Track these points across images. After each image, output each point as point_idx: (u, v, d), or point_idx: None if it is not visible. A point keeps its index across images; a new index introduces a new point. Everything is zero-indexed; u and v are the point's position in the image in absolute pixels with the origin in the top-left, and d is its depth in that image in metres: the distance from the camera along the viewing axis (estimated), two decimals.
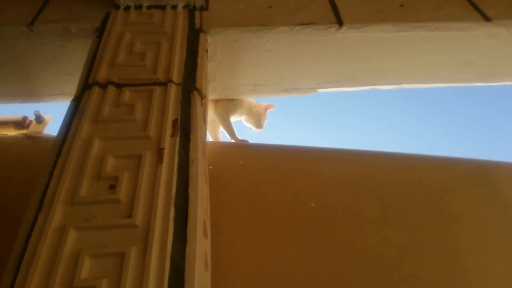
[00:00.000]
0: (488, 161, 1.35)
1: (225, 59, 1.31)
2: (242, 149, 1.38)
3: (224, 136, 1.67)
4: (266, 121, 1.64)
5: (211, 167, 1.21)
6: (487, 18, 1.27)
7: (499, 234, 1.15)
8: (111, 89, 0.95)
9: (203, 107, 1.05)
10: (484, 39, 1.30)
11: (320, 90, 1.50)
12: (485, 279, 1.06)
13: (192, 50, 1.13)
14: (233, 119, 1.64)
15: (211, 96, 1.46)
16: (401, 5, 1.32)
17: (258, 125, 1.62)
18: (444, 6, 1.32)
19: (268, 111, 1.66)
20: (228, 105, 1.59)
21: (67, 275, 0.61)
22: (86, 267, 0.62)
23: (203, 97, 1.03)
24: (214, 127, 1.65)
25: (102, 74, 0.99)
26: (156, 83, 0.97)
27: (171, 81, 0.97)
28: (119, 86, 0.96)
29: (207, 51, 1.19)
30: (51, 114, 1.62)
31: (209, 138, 1.68)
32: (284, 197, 1.17)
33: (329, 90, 1.49)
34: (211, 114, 1.61)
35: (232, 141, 1.53)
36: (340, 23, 1.25)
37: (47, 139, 1.45)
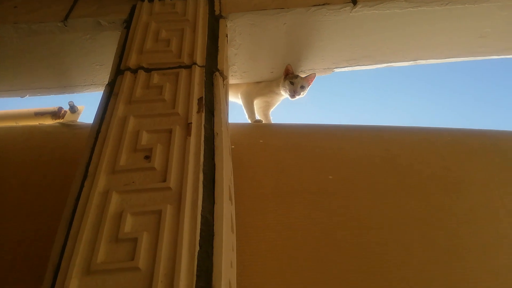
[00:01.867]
0: (500, 131, 1.37)
1: (244, 43, 1.38)
2: (262, 128, 1.45)
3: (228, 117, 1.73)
4: (303, 89, 1.53)
5: (233, 146, 1.29)
6: None
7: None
8: (141, 74, 1.04)
9: (225, 87, 1.12)
10: (498, 10, 1.32)
11: (337, 70, 1.55)
12: (498, 241, 1.10)
13: (213, 35, 1.21)
14: (264, 100, 1.67)
15: (231, 80, 1.54)
16: None
17: (291, 93, 1.54)
18: None
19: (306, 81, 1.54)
20: (253, 87, 1.64)
21: (112, 230, 0.71)
22: (129, 223, 0.72)
23: (224, 78, 1.11)
24: (264, 109, 1.70)
25: (132, 60, 1.08)
26: (181, 66, 1.05)
27: (195, 64, 1.05)
28: (148, 70, 1.05)
29: (227, 35, 1.26)
30: (84, 104, 1.74)
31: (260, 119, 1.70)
32: (303, 171, 1.23)
33: (346, 69, 1.54)
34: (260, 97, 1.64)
35: (249, 121, 1.60)
36: (354, 2, 1.29)
37: (81, 127, 1.56)
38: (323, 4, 1.29)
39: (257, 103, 1.67)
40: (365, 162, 1.28)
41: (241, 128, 1.43)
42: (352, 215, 1.14)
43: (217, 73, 1.07)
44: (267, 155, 1.29)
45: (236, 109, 1.70)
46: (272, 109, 1.68)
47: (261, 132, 1.41)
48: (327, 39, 1.40)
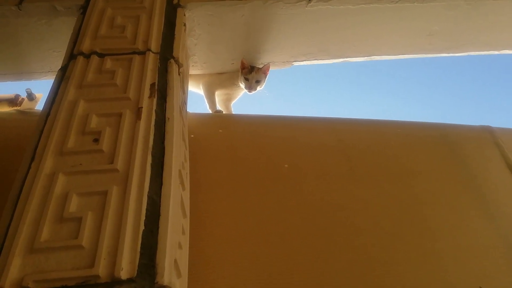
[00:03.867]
0: (449, 124, 1.46)
1: (204, 33, 1.40)
2: (222, 119, 1.47)
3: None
4: (259, 83, 1.56)
5: (192, 136, 1.31)
6: None
7: (456, 186, 1.27)
8: (94, 58, 1.03)
9: (180, 75, 1.14)
10: (445, 10, 1.39)
11: (295, 64, 1.59)
12: (442, 225, 1.17)
13: (170, 23, 1.22)
14: (226, 93, 1.68)
15: (192, 70, 1.55)
16: None
17: (247, 88, 1.57)
18: None
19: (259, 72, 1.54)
20: (215, 78, 1.65)
21: (57, 210, 0.71)
22: (74, 203, 0.72)
23: (180, 65, 1.12)
24: (226, 101, 1.72)
25: (86, 45, 1.07)
26: (135, 52, 1.05)
27: (149, 50, 1.06)
28: (101, 55, 1.05)
29: (184, 24, 1.28)
30: (42, 92, 1.71)
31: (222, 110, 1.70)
32: (259, 160, 1.27)
33: (304, 63, 1.58)
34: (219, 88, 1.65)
35: (210, 111, 1.62)
36: None
37: (39, 114, 1.53)
38: None
39: (219, 95, 1.69)
40: (319, 151, 1.33)
41: (202, 118, 1.45)
42: (304, 202, 1.19)
43: (172, 60, 1.08)
44: (226, 144, 1.32)
45: (199, 99, 1.72)
46: (234, 101, 1.70)
47: (221, 122, 1.43)
48: (284, 32, 1.44)
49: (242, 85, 1.59)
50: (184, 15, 1.30)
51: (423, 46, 1.54)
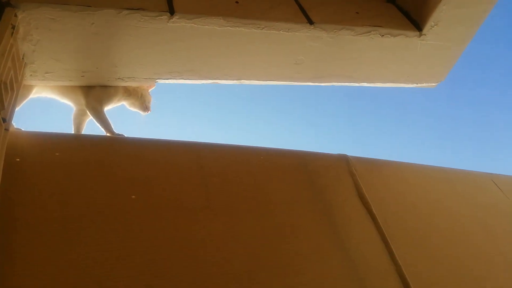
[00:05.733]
0: (309, 152, 1.47)
1: (44, 39, 1.18)
2: (61, 139, 1.23)
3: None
4: (151, 101, 1.61)
5: (18, 160, 1.08)
6: (310, 22, 1.38)
7: (314, 216, 1.26)
8: None
9: None
10: (309, 41, 1.41)
11: (160, 81, 1.46)
12: (298, 260, 1.14)
13: None
14: (111, 106, 1.52)
15: (32, 81, 1.31)
16: (237, 2, 1.37)
17: (143, 107, 1.58)
18: (276, 7, 1.40)
19: (149, 90, 1.61)
20: (102, 94, 1.44)
21: None
22: None
23: None
24: (81, 116, 1.52)
25: None
26: None
27: None
28: None
29: (13, 27, 1.06)
30: None
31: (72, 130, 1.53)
32: (101, 190, 1.09)
33: (170, 81, 1.46)
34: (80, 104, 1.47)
35: (108, 134, 1.42)
36: (172, 12, 1.23)
37: None
38: (137, 9, 1.19)
39: (74, 106, 1.50)
40: (175, 179, 1.21)
41: (36, 137, 1.20)
42: (153, 240, 1.05)
43: None
44: (61, 171, 1.11)
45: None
46: (88, 118, 1.50)
47: (59, 143, 1.20)
48: (145, 47, 1.30)
49: (140, 104, 1.57)
50: (16, 15, 1.09)
51: (290, 74, 1.54)
